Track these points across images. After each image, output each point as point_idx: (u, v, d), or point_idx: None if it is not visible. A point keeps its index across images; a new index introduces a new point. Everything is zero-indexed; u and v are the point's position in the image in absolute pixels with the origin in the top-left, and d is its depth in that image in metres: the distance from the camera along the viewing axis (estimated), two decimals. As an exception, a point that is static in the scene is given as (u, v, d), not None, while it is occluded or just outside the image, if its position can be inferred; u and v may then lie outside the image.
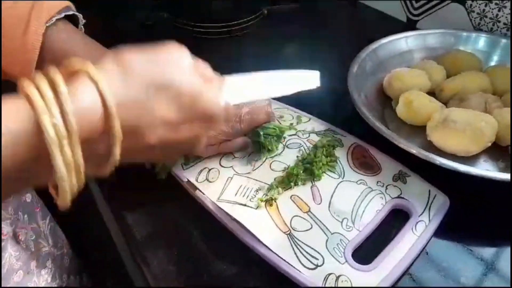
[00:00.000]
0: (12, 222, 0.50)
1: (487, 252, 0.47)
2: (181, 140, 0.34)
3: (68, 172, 0.26)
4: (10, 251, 0.49)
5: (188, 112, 0.33)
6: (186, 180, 0.52)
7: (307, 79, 0.50)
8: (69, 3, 0.48)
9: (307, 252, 0.44)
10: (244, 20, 0.87)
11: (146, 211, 0.52)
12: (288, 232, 0.46)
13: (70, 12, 0.49)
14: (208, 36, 0.86)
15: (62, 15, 0.47)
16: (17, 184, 0.28)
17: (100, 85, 0.28)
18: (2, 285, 0.47)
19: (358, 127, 0.57)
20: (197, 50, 0.82)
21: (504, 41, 0.69)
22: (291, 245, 0.44)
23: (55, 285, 0.56)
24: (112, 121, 0.28)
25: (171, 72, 0.32)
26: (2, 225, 0.48)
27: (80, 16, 0.51)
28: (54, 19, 0.46)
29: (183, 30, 0.86)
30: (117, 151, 0.29)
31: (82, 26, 0.52)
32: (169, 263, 0.46)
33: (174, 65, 0.33)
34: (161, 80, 0.31)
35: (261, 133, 0.54)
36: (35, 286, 0.52)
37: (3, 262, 0.47)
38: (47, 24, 0.45)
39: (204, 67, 0.38)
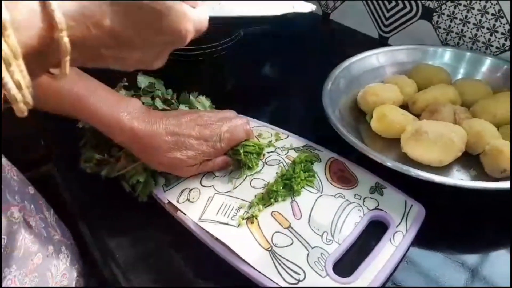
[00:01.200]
0: (20, 209, 0.49)
1: (466, 257, 0.49)
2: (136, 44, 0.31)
3: (19, 90, 0.26)
4: (25, 234, 0.47)
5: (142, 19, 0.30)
6: (167, 201, 0.53)
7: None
8: None
9: (288, 268, 0.44)
10: (221, 42, 0.89)
11: (128, 235, 0.52)
12: (270, 249, 0.46)
13: None
14: (186, 59, 0.87)
15: None
16: None
17: None
18: (21, 268, 0.46)
19: (335, 142, 0.58)
20: (174, 73, 0.83)
21: (469, 54, 0.73)
22: (273, 262, 0.45)
23: (75, 269, 0.55)
24: (57, 32, 0.26)
25: None
26: (12, 210, 0.47)
27: None
28: None
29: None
30: (66, 64, 0.28)
31: None
32: (154, 285, 0.46)
33: None
34: None
35: (241, 151, 0.55)
36: (56, 269, 0.51)
37: (18, 244, 0.46)
38: None
39: None
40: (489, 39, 0.73)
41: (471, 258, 0.49)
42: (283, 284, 0.43)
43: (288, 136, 0.61)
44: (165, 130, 0.52)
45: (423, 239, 0.49)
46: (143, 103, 0.60)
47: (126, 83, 0.69)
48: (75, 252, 0.59)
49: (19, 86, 0.26)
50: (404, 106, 0.68)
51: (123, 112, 0.51)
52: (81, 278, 0.56)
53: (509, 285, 0.46)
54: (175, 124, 0.53)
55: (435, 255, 0.49)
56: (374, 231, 0.49)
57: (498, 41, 0.72)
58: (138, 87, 0.67)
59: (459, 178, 0.58)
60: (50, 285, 0.50)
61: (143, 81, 0.68)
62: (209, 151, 0.53)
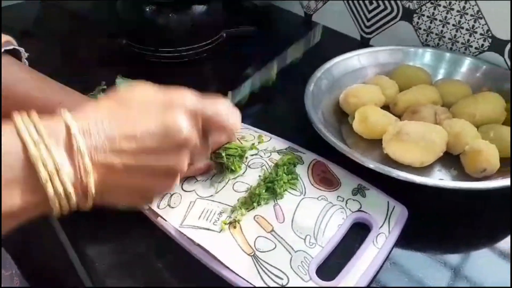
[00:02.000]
0: None
1: (449, 257, 0.49)
2: (156, 168, 0.34)
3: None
4: None
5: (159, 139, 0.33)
6: (148, 207, 0.52)
7: None
8: (9, 38, 0.48)
9: (271, 273, 0.44)
10: (203, 43, 0.88)
11: (107, 242, 0.51)
12: (253, 254, 0.46)
13: (11, 47, 0.48)
14: (169, 61, 0.86)
15: (2, 49, 0.46)
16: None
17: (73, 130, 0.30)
18: None
19: (317, 144, 0.58)
20: (158, 76, 0.82)
21: (448, 55, 0.74)
22: (256, 267, 0.44)
23: None
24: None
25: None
26: None
27: (22, 50, 0.50)
28: None
29: (141, 56, 0.86)
30: (91, 185, 0.30)
31: (25, 60, 0.52)
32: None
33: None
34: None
35: (223, 154, 0.54)
36: None
37: None
38: None
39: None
40: (468, 40, 0.74)
41: (453, 258, 0.49)
42: (266, 289, 0.42)
43: (271, 139, 0.61)
44: None
45: (406, 240, 0.49)
46: None
47: (105, 87, 0.68)
48: (13, 285, 0.58)
49: None
50: (386, 107, 0.68)
51: None
52: None
53: (491, 284, 0.46)
54: None
55: (418, 256, 0.49)
56: (357, 233, 0.49)
57: (477, 42, 0.73)
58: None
59: (440, 178, 0.58)
60: None
61: (122, 83, 0.68)
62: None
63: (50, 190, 0.28)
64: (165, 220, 0.49)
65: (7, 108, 0.48)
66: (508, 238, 0.51)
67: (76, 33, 0.96)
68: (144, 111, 0.33)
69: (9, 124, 0.29)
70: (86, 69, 0.82)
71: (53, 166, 0.28)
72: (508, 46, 0.70)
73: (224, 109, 0.39)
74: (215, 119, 0.38)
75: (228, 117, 0.39)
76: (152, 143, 0.32)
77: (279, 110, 0.75)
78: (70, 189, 0.29)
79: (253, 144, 0.60)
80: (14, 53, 0.50)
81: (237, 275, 0.44)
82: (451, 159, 0.60)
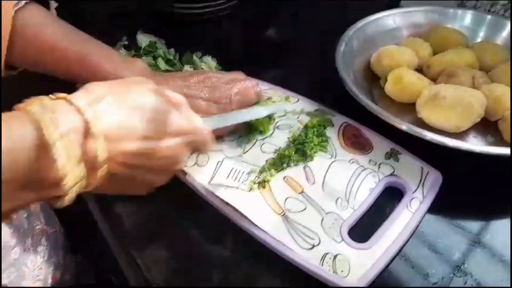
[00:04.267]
0: None
1: (480, 227, 0.48)
2: (162, 155, 0.36)
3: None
4: (5, 228, 0.47)
5: (161, 128, 0.36)
6: None
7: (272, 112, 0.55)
8: None
9: (302, 233, 0.43)
10: (224, 0, 0.85)
11: (135, 200, 0.50)
12: (283, 214, 0.45)
13: None
14: (188, 18, 0.83)
15: None
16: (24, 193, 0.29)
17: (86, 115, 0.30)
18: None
19: (348, 106, 0.56)
20: (177, 31, 0.79)
21: (488, 17, 0.69)
22: (286, 227, 0.44)
23: (52, 263, 0.55)
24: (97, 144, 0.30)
25: (137, 95, 0.36)
26: None
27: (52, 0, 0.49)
28: (23, 2, 0.44)
29: (159, 12, 0.83)
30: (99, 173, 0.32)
31: (54, 9, 0.50)
32: (162, 251, 0.45)
33: (138, 89, 0.37)
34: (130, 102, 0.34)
35: None
36: (33, 264, 0.52)
37: None
38: (16, 8, 0.43)
39: (171, 93, 0.40)
40: (509, 1, 0.70)
41: (483, 226, 0.48)
42: (297, 249, 0.42)
43: (298, 100, 0.59)
44: (173, 91, 0.50)
45: (438, 207, 0.48)
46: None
47: (126, 42, 0.66)
48: (57, 241, 0.59)
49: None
50: (419, 70, 0.65)
51: (128, 72, 0.49)
52: (57, 271, 0.56)
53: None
54: (183, 86, 0.51)
55: (449, 223, 0.48)
56: (390, 198, 0.48)
57: (519, 3, 0.69)
58: (138, 47, 0.65)
59: (475, 144, 0.56)
60: (26, 279, 0.50)
61: (143, 40, 0.65)
62: (219, 113, 0.51)
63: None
64: (194, 179, 0.49)
65: (32, 55, 0.47)
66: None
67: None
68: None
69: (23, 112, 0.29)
70: (103, 25, 0.80)
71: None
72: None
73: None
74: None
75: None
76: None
77: (307, 70, 0.72)
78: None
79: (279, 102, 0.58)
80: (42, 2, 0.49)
81: (268, 234, 0.43)
82: (487, 126, 0.57)
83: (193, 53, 0.65)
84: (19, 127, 0.28)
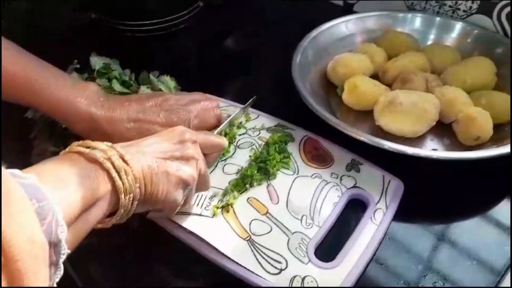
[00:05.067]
0: None
1: (446, 229, 0.49)
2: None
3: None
4: None
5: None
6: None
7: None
8: None
9: (269, 257, 0.42)
10: (179, 14, 0.83)
11: (93, 237, 0.48)
12: (248, 238, 0.44)
13: None
14: (142, 35, 0.81)
15: None
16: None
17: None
18: None
19: (307, 118, 0.56)
20: (132, 50, 0.77)
21: (438, 19, 0.71)
22: (253, 252, 0.43)
23: None
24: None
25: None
26: None
27: None
28: None
29: (113, 31, 0.80)
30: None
31: None
32: (121, 283, 0.43)
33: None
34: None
35: None
36: None
37: None
38: None
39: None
40: (456, 2, 0.72)
41: (452, 229, 0.49)
42: (264, 275, 0.41)
43: (258, 116, 0.58)
44: (127, 116, 0.48)
45: (401, 213, 0.48)
46: (100, 87, 0.56)
47: (78, 66, 0.63)
48: None
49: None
50: (375, 76, 0.66)
51: (80, 98, 0.47)
52: None
53: (489, 253, 0.46)
54: (138, 110, 0.49)
55: (415, 229, 0.49)
56: (354, 210, 0.48)
57: (465, 4, 0.71)
58: (92, 69, 0.62)
59: (433, 148, 0.57)
60: None
61: (97, 62, 0.63)
62: None
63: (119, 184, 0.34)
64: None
65: None
66: (503, 206, 0.51)
67: (41, 7, 0.89)
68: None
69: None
70: (55, 46, 0.77)
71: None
72: (497, 7, 0.68)
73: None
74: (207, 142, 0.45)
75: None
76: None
77: (265, 84, 0.71)
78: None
79: (240, 122, 0.57)
80: None
81: (235, 262, 0.42)
82: (443, 128, 0.59)
83: (149, 73, 0.63)
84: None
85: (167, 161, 0.38)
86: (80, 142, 0.34)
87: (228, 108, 0.59)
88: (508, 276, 0.44)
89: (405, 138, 0.57)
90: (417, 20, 0.72)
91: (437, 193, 0.53)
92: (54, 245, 0.25)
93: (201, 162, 0.42)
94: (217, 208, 0.46)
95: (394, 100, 0.57)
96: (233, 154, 0.53)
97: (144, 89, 0.60)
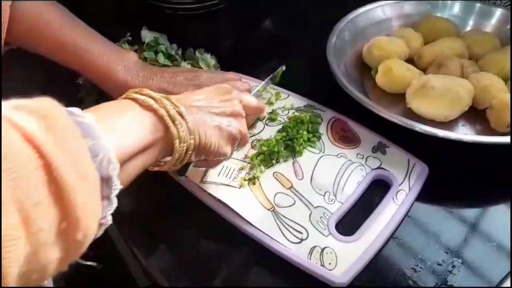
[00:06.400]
0: None
1: (467, 212, 0.49)
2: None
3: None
4: None
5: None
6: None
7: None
8: None
9: (291, 227, 0.45)
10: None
11: (130, 197, 0.52)
12: (272, 209, 0.46)
13: None
14: (184, 13, 0.84)
15: None
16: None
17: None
18: None
19: (339, 99, 0.57)
20: (174, 29, 0.80)
21: (478, 5, 0.69)
22: (276, 221, 0.45)
23: None
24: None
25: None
26: None
27: None
28: None
29: (157, 9, 0.84)
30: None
31: None
32: (156, 247, 0.47)
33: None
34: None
35: None
36: None
37: None
38: None
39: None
40: (501, -12, 0.70)
41: (471, 213, 0.49)
42: (286, 243, 0.43)
43: (288, 96, 0.60)
44: (158, 86, 0.52)
45: (425, 195, 0.49)
46: (146, 58, 0.60)
47: (130, 38, 0.67)
48: None
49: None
50: (410, 61, 0.66)
51: (119, 65, 0.52)
52: None
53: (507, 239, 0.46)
54: (169, 82, 0.53)
55: (436, 210, 0.50)
56: (377, 190, 0.49)
57: (510, -10, 0.69)
58: (142, 42, 0.66)
59: (464, 133, 0.57)
60: None
61: (147, 35, 0.67)
62: None
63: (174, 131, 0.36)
64: (186, 177, 0.50)
65: (30, 42, 0.51)
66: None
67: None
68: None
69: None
70: (103, 24, 0.81)
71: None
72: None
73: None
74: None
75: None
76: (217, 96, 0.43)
77: (300, 64, 0.73)
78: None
79: (269, 98, 0.59)
80: None
81: (258, 229, 0.45)
82: (476, 114, 0.58)
83: (195, 50, 0.66)
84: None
85: (219, 116, 0.41)
86: (137, 89, 0.36)
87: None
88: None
89: (436, 122, 0.57)
90: (456, 6, 0.70)
91: (463, 177, 0.53)
92: (106, 181, 0.28)
93: (244, 120, 0.45)
94: (245, 180, 0.49)
95: (426, 83, 0.57)
96: (261, 130, 0.55)
97: (185, 65, 0.64)
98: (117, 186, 0.28)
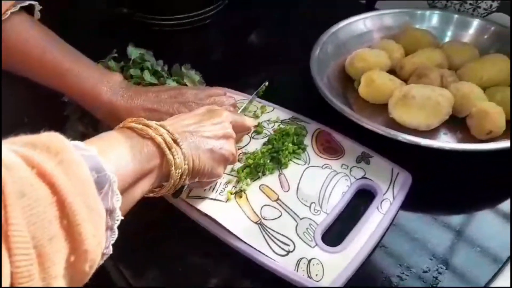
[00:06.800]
0: None
1: (452, 219, 0.50)
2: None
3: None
4: None
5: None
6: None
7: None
8: None
9: (278, 240, 0.45)
10: (205, 10, 0.86)
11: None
12: (259, 222, 0.47)
13: (26, 3, 0.49)
14: (170, 29, 0.85)
15: (17, 7, 0.47)
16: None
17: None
18: None
19: (321, 112, 0.58)
20: (160, 44, 0.81)
21: (456, 16, 0.71)
22: (262, 234, 0.46)
23: None
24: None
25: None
26: None
27: (35, 3, 0.51)
28: (8, 12, 0.47)
29: (144, 25, 0.85)
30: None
31: (38, 12, 0.53)
32: (143, 262, 0.47)
33: None
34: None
35: None
36: None
37: None
38: (2, 18, 0.46)
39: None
40: (477, 1, 0.72)
41: (456, 219, 0.50)
42: (273, 256, 0.44)
43: (274, 109, 0.61)
44: (143, 106, 0.52)
45: (410, 203, 0.50)
46: (131, 75, 0.60)
47: (116, 55, 0.67)
48: None
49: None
50: (392, 72, 0.67)
51: (104, 87, 0.52)
52: None
53: (493, 244, 0.47)
54: (154, 101, 0.53)
55: (421, 218, 0.50)
56: (362, 200, 0.50)
57: (486, 2, 0.71)
58: (128, 59, 0.66)
59: (446, 142, 0.58)
60: None
61: (133, 52, 0.67)
62: None
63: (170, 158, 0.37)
64: (180, 198, 0.50)
65: (16, 64, 0.51)
66: (509, 199, 0.52)
67: (74, 3, 0.95)
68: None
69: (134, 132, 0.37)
70: (88, 40, 0.82)
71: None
72: (518, 4, 0.68)
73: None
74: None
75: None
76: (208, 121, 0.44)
77: (284, 77, 0.74)
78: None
79: (254, 111, 0.60)
80: (27, 9, 0.51)
81: (245, 243, 0.45)
82: (456, 122, 0.60)
83: (182, 65, 0.67)
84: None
85: (212, 140, 0.42)
86: (134, 118, 0.38)
87: (245, 101, 0.62)
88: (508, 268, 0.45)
89: (419, 131, 0.58)
90: (435, 18, 0.73)
91: (446, 185, 0.54)
92: (110, 212, 0.29)
93: (234, 140, 0.46)
94: (231, 193, 0.49)
95: (408, 93, 0.58)
96: (247, 143, 0.56)
97: (170, 82, 0.64)
98: (119, 217, 0.30)
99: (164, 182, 0.39)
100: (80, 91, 0.51)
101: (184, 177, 0.39)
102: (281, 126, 0.57)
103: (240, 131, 0.49)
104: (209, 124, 0.43)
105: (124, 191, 0.32)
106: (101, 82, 0.52)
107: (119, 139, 0.35)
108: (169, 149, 0.37)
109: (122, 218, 0.30)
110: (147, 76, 0.63)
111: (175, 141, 0.38)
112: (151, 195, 0.40)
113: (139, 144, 0.36)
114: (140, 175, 0.34)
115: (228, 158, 0.44)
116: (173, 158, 0.37)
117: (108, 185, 0.28)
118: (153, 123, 0.37)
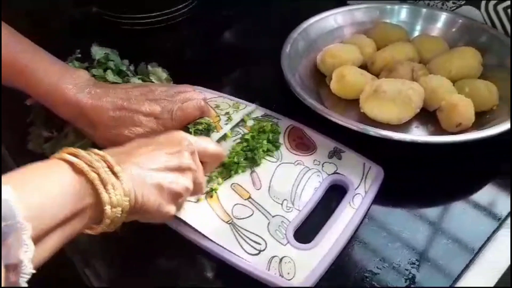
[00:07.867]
0: None
1: (426, 211, 0.50)
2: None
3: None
4: None
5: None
6: None
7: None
8: None
9: (249, 238, 0.44)
10: (177, 8, 0.85)
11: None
12: (230, 221, 0.46)
13: None
14: (141, 28, 0.83)
15: None
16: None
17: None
18: None
19: (293, 108, 0.58)
20: (130, 44, 0.79)
21: (425, 10, 0.72)
22: (234, 234, 0.45)
23: None
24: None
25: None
26: None
27: None
28: None
29: (113, 24, 0.83)
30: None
31: None
32: (111, 263, 0.46)
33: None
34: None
35: (191, 130, 0.52)
36: None
37: None
38: None
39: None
40: (446, -6, 0.72)
41: (431, 211, 0.50)
42: (244, 255, 0.43)
43: (246, 106, 0.60)
44: (112, 104, 0.49)
45: (383, 197, 0.50)
46: (94, 75, 0.58)
47: (79, 55, 0.65)
48: None
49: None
50: (364, 67, 0.67)
51: (69, 85, 0.49)
52: None
53: (468, 235, 0.47)
54: (123, 98, 0.50)
55: (395, 211, 0.50)
56: (334, 196, 0.50)
57: (454, -5, 0.72)
58: (92, 59, 0.64)
59: (418, 135, 0.58)
60: None
61: (97, 52, 0.65)
62: (159, 129, 0.50)
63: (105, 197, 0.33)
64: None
65: None
66: (481, 189, 0.52)
67: (41, 2, 0.92)
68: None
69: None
70: (56, 39, 0.79)
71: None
72: (485, -1, 0.68)
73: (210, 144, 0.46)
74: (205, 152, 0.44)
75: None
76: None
77: (257, 75, 0.73)
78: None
79: (228, 112, 0.59)
80: None
81: (216, 243, 0.44)
82: (428, 116, 0.60)
83: (147, 64, 0.65)
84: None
85: (161, 173, 0.38)
86: (70, 149, 0.34)
87: (217, 99, 0.61)
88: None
89: (391, 125, 0.58)
90: (404, 12, 0.73)
91: (419, 178, 0.54)
92: (13, 267, 0.25)
93: (198, 171, 0.42)
94: (202, 193, 0.48)
95: (379, 88, 0.58)
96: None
97: (135, 80, 0.62)
98: (29, 270, 0.26)
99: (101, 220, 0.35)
100: (42, 89, 0.48)
101: (125, 214, 0.35)
102: (254, 123, 0.57)
103: (209, 160, 0.45)
104: (164, 153, 0.39)
105: (47, 232, 0.29)
106: (65, 79, 0.49)
107: (47, 173, 0.32)
108: (104, 186, 0.33)
109: (34, 271, 0.26)
110: (110, 76, 0.61)
111: (115, 174, 0.34)
112: (88, 231, 0.35)
113: (69, 180, 0.32)
114: (70, 215, 0.31)
115: (180, 193, 0.39)
116: (109, 196, 0.33)
117: (13, 235, 0.25)
118: (91, 154, 0.34)
